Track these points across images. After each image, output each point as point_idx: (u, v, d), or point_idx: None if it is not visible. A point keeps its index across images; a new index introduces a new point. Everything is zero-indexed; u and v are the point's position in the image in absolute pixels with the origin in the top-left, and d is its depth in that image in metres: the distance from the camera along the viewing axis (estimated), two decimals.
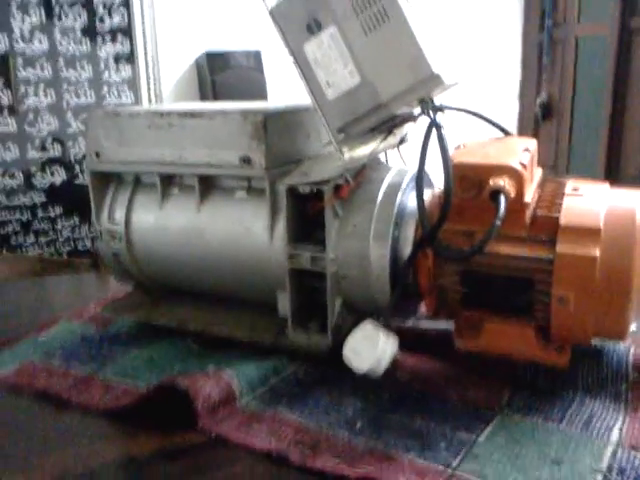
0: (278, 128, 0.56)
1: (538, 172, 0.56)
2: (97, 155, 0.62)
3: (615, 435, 0.44)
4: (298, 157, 0.59)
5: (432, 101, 0.52)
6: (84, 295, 0.84)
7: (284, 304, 0.57)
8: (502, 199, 0.47)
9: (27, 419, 0.51)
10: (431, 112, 0.51)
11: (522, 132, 2.98)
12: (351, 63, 0.51)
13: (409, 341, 0.54)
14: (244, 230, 0.58)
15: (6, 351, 0.62)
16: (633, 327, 0.50)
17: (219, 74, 2.31)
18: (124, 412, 0.49)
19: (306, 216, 0.55)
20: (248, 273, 0.58)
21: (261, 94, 2.33)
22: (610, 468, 0.40)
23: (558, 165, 2.77)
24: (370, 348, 0.49)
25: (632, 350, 0.53)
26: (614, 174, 2.41)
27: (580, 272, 0.46)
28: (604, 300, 0.47)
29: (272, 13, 0.53)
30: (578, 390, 0.50)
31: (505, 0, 2.87)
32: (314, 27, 0.51)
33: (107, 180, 0.65)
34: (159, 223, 0.62)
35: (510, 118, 2.98)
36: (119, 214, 0.63)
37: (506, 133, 0.58)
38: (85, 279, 1.00)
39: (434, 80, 0.49)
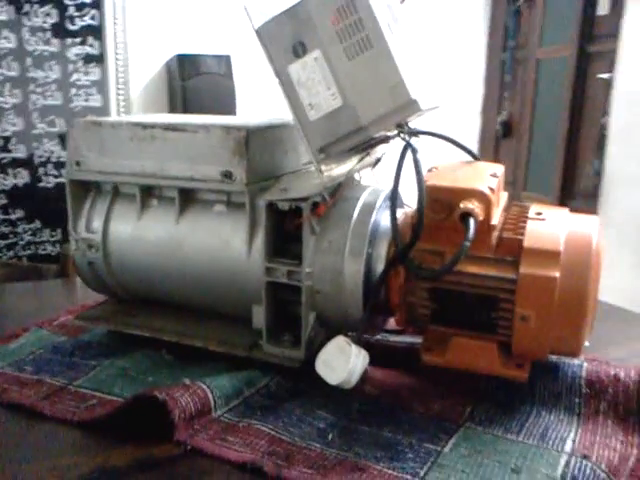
0: (259, 144, 0.58)
1: (504, 196, 0.59)
2: (77, 164, 0.62)
3: (569, 445, 0.47)
4: (276, 173, 0.60)
5: (408, 125, 0.54)
6: (53, 303, 0.83)
7: (259, 317, 0.58)
8: (472, 221, 0.50)
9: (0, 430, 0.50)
10: (407, 136, 0.54)
11: (483, 149, 3.06)
12: (334, 86, 0.53)
13: (378, 355, 0.56)
14: (222, 243, 0.59)
15: None
16: (586, 343, 0.53)
17: (189, 80, 2.30)
18: (98, 423, 0.49)
19: (284, 231, 0.56)
20: (225, 285, 0.59)
21: (230, 101, 2.33)
22: (564, 476, 0.43)
23: (517, 181, 2.86)
24: (342, 362, 0.51)
25: (585, 366, 0.57)
26: (568, 190, 2.51)
27: (541, 292, 0.49)
28: (561, 319, 0.50)
29: (258, 32, 0.54)
30: (535, 403, 0.53)
31: (471, 19, 2.96)
32: (299, 50, 0.53)
33: (86, 189, 0.65)
34: (137, 234, 0.62)
35: (472, 135, 3.06)
36: (97, 223, 0.63)
37: (475, 158, 0.61)
38: (52, 286, 0.98)
39: (412, 106, 0.52)
